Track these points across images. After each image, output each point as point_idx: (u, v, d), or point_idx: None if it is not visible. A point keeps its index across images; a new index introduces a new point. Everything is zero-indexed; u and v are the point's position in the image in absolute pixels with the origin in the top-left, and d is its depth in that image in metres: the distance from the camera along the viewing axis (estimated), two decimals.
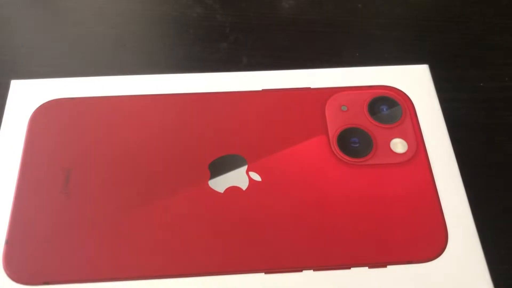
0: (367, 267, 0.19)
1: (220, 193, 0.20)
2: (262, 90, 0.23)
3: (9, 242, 0.19)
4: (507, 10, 0.32)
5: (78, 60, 0.29)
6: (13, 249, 0.19)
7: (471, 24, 0.32)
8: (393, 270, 0.19)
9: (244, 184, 0.21)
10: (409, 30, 0.32)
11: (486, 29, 0.31)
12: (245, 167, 0.21)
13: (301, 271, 0.19)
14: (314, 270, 0.19)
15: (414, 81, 0.23)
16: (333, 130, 0.22)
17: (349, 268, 0.19)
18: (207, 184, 0.20)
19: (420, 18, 0.32)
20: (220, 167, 0.21)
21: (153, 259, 0.19)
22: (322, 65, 0.24)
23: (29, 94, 0.23)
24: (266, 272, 0.19)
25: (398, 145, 0.21)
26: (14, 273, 0.19)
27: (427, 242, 0.19)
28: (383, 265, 0.19)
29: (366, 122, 0.22)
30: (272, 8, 0.33)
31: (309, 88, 0.23)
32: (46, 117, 0.22)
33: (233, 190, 0.20)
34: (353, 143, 0.22)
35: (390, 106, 0.23)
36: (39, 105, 0.22)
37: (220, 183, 0.21)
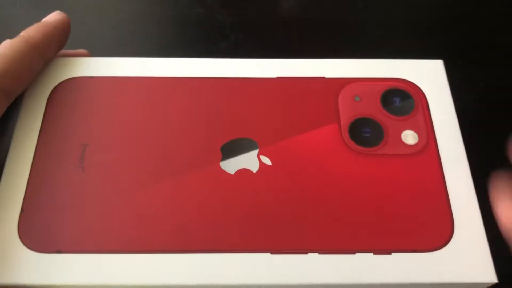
0: (372, 253, 0.19)
1: (231, 174, 0.21)
2: (277, 77, 0.23)
3: (24, 211, 0.20)
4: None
5: None
6: (28, 218, 0.20)
7: (472, 24, 0.32)
8: (397, 257, 0.19)
9: (254, 167, 0.21)
10: (410, 29, 0.32)
11: (488, 29, 0.31)
12: (256, 151, 0.21)
13: (306, 253, 0.19)
14: (320, 253, 0.19)
15: (428, 76, 0.23)
16: (345, 119, 0.22)
17: (354, 253, 0.19)
18: (219, 166, 0.21)
19: (421, 17, 0.32)
20: (232, 149, 0.21)
21: (163, 234, 0.19)
22: None
23: (50, 71, 0.23)
24: (272, 252, 0.19)
25: (409, 137, 0.22)
26: (28, 241, 0.19)
27: (433, 232, 0.20)
28: (388, 252, 0.19)
29: (378, 113, 0.22)
30: (272, 8, 0.33)
31: (323, 78, 0.23)
32: (65, 94, 0.23)
33: (244, 173, 0.21)
34: (365, 132, 0.22)
35: (403, 98, 0.23)
36: (59, 82, 0.23)
37: (231, 165, 0.21)
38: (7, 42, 0.22)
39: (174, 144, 0.21)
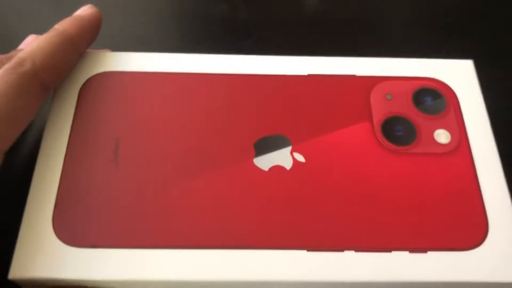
0: (407, 252, 0.19)
1: (264, 171, 0.21)
2: (308, 74, 0.23)
3: (58, 205, 0.20)
4: None
5: None
6: (62, 212, 0.20)
7: (496, 24, 0.32)
8: (433, 256, 0.19)
9: (288, 164, 0.21)
10: (435, 27, 0.32)
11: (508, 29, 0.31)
12: (289, 148, 0.21)
13: (342, 251, 0.19)
14: (356, 251, 0.19)
15: (459, 76, 0.23)
16: (378, 117, 0.22)
17: (390, 251, 0.19)
18: (252, 162, 0.21)
19: (445, 16, 0.32)
20: (265, 146, 0.21)
21: (196, 230, 0.19)
22: None
23: (80, 65, 0.23)
24: (308, 250, 0.19)
25: (442, 136, 0.22)
26: (62, 235, 0.19)
27: (468, 231, 0.20)
28: (424, 250, 0.19)
29: (410, 111, 0.22)
30: (296, 6, 0.33)
31: (354, 76, 0.23)
32: (96, 88, 0.23)
33: (277, 169, 0.21)
34: (397, 131, 0.22)
35: (434, 97, 0.23)
36: (89, 76, 0.23)
37: (264, 162, 0.21)
38: (43, 36, 0.21)
39: (207, 139, 0.21)
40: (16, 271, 0.18)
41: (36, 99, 0.20)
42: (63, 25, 0.22)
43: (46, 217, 0.19)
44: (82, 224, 0.19)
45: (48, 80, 0.21)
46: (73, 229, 0.19)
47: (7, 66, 0.20)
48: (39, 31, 0.25)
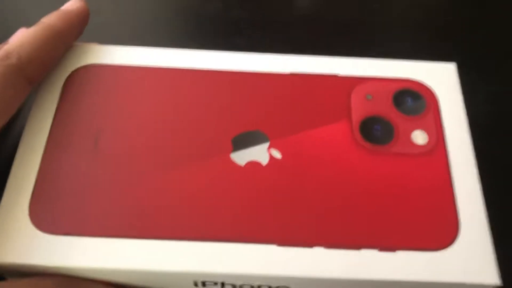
0: (377, 250, 0.19)
1: (241, 166, 0.21)
2: (290, 73, 0.23)
3: (35, 193, 0.20)
4: None
5: None
6: (39, 200, 0.20)
7: (489, 28, 0.32)
8: (402, 255, 0.19)
9: (264, 160, 0.21)
10: (426, 31, 0.32)
11: (501, 34, 0.31)
12: (267, 144, 0.22)
13: (312, 247, 0.19)
14: (325, 247, 0.19)
15: (440, 78, 0.24)
16: (357, 117, 0.22)
17: (359, 249, 0.19)
18: (229, 157, 0.21)
19: (436, 19, 0.33)
20: (242, 142, 0.22)
21: (170, 221, 0.20)
22: None
23: (67, 57, 0.24)
24: (278, 244, 0.19)
25: (419, 137, 0.22)
26: (38, 222, 0.20)
27: (438, 232, 0.20)
28: (393, 249, 0.19)
29: (389, 112, 0.22)
30: (288, 6, 0.33)
31: (336, 75, 0.23)
32: (81, 80, 0.23)
33: (253, 165, 0.21)
34: (375, 130, 0.22)
35: (414, 98, 0.23)
36: (74, 69, 0.23)
37: (241, 157, 0.21)
38: (30, 30, 0.22)
39: (187, 133, 0.22)
40: None
41: (21, 92, 0.21)
42: (50, 19, 0.23)
43: (22, 204, 0.20)
44: (58, 212, 0.20)
45: (33, 74, 0.21)
46: (49, 217, 0.20)
47: None
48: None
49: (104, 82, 0.23)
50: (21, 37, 0.22)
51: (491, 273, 0.19)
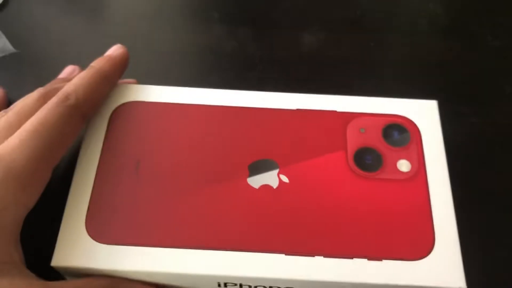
0: (366, 259, 0.24)
1: (255, 188, 0.26)
2: (296, 109, 0.28)
3: (90, 209, 0.25)
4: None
5: None
6: (93, 215, 0.25)
7: (476, 67, 0.36)
8: (387, 264, 0.24)
9: (275, 184, 0.26)
10: (417, 69, 0.37)
11: (495, 74, 0.35)
12: (277, 170, 0.26)
13: (314, 256, 0.24)
14: (324, 256, 0.24)
15: (423, 114, 0.28)
16: (351, 148, 0.27)
17: (352, 258, 0.24)
18: (246, 181, 0.26)
19: (427, 59, 0.37)
20: (257, 168, 0.26)
21: (200, 233, 0.24)
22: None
23: (112, 95, 0.28)
24: (286, 254, 0.24)
25: (403, 165, 0.26)
26: (93, 234, 0.24)
27: (417, 244, 0.24)
28: (379, 259, 0.24)
29: (379, 143, 0.27)
30: (295, 44, 0.38)
31: (335, 111, 0.28)
32: (124, 114, 0.28)
33: (266, 188, 0.26)
34: (367, 160, 0.26)
35: (400, 132, 0.27)
36: (119, 104, 0.28)
37: (256, 181, 0.26)
38: (83, 74, 0.27)
39: (211, 161, 0.26)
40: (56, 261, 0.24)
41: (77, 127, 0.26)
42: (99, 64, 0.27)
43: (80, 219, 0.25)
44: (108, 225, 0.25)
45: (87, 111, 0.26)
46: (102, 229, 0.24)
47: (55, 99, 0.25)
48: (76, 60, 0.31)
49: (143, 117, 0.28)
50: (76, 80, 0.26)
51: (459, 279, 0.23)
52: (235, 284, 0.24)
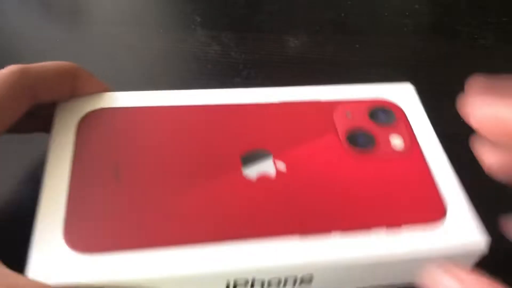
0: (385, 229, 0.22)
1: (253, 178, 0.24)
2: (280, 102, 0.27)
3: (67, 219, 0.22)
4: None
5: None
6: (71, 224, 0.22)
7: (458, 68, 0.36)
8: (407, 232, 0.22)
9: (272, 171, 0.24)
10: (402, 70, 0.37)
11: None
12: (271, 158, 0.25)
13: (330, 233, 0.22)
14: (342, 231, 0.22)
15: (402, 95, 0.28)
16: (342, 132, 0.26)
17: (370, 229, 0.22)
18: (241, 173, 0.24)
19: (410, 58, 0.37)
20: (250, 159, 0.24)
21: (193, 229, 0.22)
22: None
23: (78, 103, 0.26)
24: (300, 236, 0.22)
25: (396, 140, 0.26)
26: (73, 244, 0.21)
27: (430, 209, 0.23)
28: (399, 225, 0.23)
29: (368, 124, 0.27)
30: (280, 47, 0.38)
31: (319, 101, 0.28)
32: (92, 122, 0.25)
33: (264, 176, 0.24)
34: (360, 140, 0.26)
35: (386, 111, 0.27)
36: (84, 113, 0.26)
37: (252, 171, 0.24)
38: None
39: (199, 159, 0.24)
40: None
41: (25, 101, 0.24)
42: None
43: (57, 229, 0.21)
44: (93, 233, 0.21)
45: (39, 90, 0.24)
46: (79, 238, 0.21)
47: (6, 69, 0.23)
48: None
49: (116, 123, 0.25)
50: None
51: (480, 233, 0.23)
52: (247, 283, 0.22)
